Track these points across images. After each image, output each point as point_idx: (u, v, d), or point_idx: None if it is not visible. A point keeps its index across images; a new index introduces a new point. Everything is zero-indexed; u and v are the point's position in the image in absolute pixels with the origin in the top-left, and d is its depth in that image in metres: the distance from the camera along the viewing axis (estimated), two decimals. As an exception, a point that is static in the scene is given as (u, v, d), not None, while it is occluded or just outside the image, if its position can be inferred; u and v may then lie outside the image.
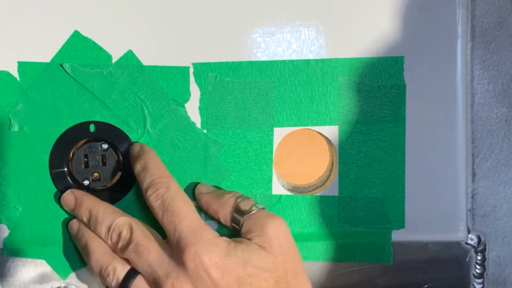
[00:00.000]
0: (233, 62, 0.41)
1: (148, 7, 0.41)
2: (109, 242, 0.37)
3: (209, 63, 0.41)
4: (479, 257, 0.43)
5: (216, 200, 0.39)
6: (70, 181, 0.40)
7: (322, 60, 0.41)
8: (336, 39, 0.41)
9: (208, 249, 0.34)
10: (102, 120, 0.40)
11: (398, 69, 0.42)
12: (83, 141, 0.40)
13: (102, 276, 0.37)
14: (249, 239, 0.35)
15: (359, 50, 0.41)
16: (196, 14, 0.41)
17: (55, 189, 0.40)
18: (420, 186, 0.42)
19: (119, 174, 0.41)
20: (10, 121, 0.40)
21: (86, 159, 0.40)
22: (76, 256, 0.41)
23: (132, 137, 0.41)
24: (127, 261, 0.37)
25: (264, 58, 0.41)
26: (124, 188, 0.41)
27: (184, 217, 0.35)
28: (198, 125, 0.41)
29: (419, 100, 0.42)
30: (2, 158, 0.40)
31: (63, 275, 0.42)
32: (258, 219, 0.36)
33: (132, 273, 0.36)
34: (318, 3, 0.41)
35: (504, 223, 0.43)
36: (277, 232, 0.36)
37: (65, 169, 0.40)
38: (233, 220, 0.37)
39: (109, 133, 0.40)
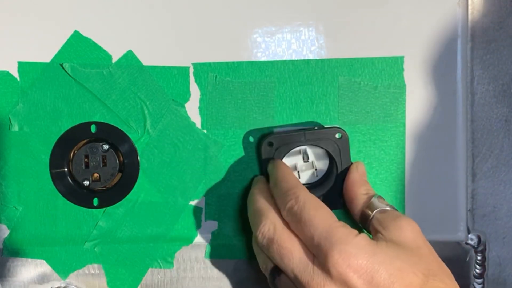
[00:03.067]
0: (233, 62, 0.41)
1: (148, 7, 0.41)
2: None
3: (209, 63, 0.41)
4: (479, 257, 0.43)
5: (354, 189, 0.38)
6: (70, 181, 0.40)
7: (322, 60, 0.41)
8: (336, 39, 0.41)
9: (350, 253, 0.31)
10: (102, 120, 0.40)
11: (398, 69, 0.42)
12: (84, 141, 0.40)
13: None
14: (381, 233, 0.34)
15: (359, 50, 0.41)
16: (196, 14, 0.41)
17: (55, 189, 0.40)
18: (420, 186, 0.42)
19: (119, 175, 0.41)
20: (10, 121, 0.40)
21: (86, 160, 0.40)
22: (76, 256, 0.41)
23: (132, 137, 0.41)
24: None
25: (264, 58, 0.41)
26: (124, 189, 0.41)
27: (317, 224, 0.33)
28: (198, 125, 0.41)
29: (419, 100, 0.42)
30: (2, 158, 0.40)
31: (63, 275, 0.42)
32: (391, 214, 0.35)
33: (278, 269, 0.35)
34: (318, 3, 0.41)
35: (504, 223, 0.43)
36: (411, 227, 0.34)
37: (65, 169, 0.40)
38: (362, 215, 0.36)
39: (110, 134, 0.40)
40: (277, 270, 0.35)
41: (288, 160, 0.40)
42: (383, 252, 0.32)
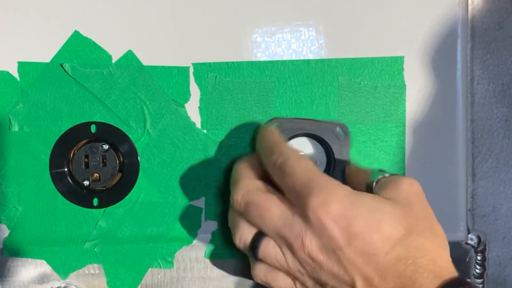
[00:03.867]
0: (233, 62, 0.41)
1: (148, 7, 0.41)
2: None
3: (209, 63, 0.41)
4: (479, 257, 0.43)
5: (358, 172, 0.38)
6: (70, 181, 0.40)
7: (322, 60, 0.41)
8: (336, 39, 0.41)
9: (329, 199, 0.31)
10: (102, 120, 0.40)
11: (398, 69, 0.42)
12: (84, 141, 0.40)
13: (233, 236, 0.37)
14: (378, 193, 0.34)
15: (359, 50, 0.41)
16: (196, 14, 0.41)
17: (55, 189, 0.40)
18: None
19: (119, 175, 0.41)
20: (10, 121, 0.40)
21: (86, 160, 0.40)
22: (76, 256, 0.41)
23: (132, 137, 0.41)
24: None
25: (264, 58, 0.41)
26: (124, 189, 0.41)
27: (299, 173, 0.33)
28: (198, 125, 0.41)
29: (419, 100, 0.42)
30: (2, 158, 0.40)
31: (63, 275, 0.42)
32: (393, 176, 0.35)
33: (260, 235, 0.35)
34: (318, 3, 0.41)
35: (504, 223, 0.43)
36: (409, 185, 0.34)
37: (65, 169, 0.40)
38: (367, 187, 0.36)
39: (110, 134, 0.40)
40: (259, 238, 0.35)
41: None
42: (364, 203, 0.32)
